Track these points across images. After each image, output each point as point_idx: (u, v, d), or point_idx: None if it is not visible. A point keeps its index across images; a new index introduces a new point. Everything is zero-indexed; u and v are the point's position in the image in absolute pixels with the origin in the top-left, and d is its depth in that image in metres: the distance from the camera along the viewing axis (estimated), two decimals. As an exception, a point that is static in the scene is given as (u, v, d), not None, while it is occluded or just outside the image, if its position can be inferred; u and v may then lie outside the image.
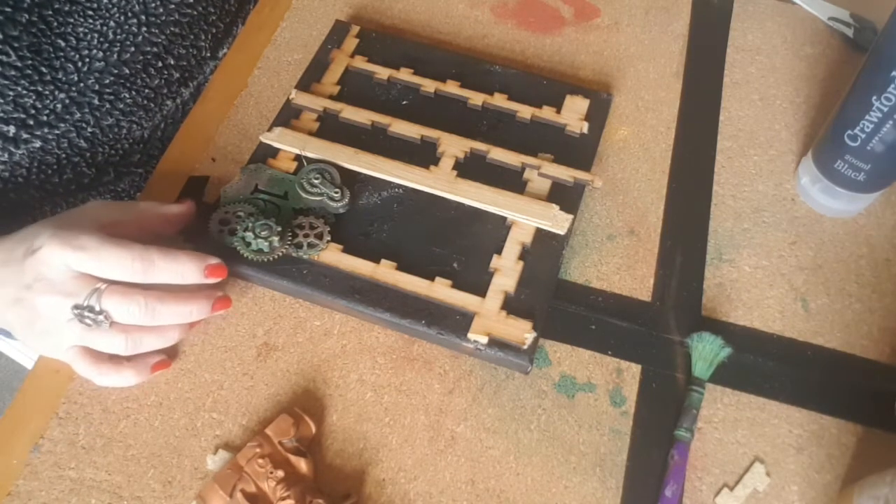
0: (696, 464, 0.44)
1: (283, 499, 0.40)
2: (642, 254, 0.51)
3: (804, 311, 0.49)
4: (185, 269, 0.43)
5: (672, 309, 0.49)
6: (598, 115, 0.55)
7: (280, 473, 0.40)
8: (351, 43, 0.58)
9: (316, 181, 0.50)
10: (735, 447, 0.45)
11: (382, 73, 0.56)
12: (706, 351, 0.46)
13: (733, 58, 0.61)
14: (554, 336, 0.48)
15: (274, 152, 0.52)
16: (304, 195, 0.49)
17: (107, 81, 0.54)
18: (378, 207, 0.50)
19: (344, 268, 0.47)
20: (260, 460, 0.41)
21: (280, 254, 0.47)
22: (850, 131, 0.47)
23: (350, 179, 0.51)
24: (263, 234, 0.46)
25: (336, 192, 0.49)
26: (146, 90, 0.58)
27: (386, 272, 0.47)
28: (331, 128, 0.54)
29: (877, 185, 0.50)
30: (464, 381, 0.46)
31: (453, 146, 0.52)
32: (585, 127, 0.54)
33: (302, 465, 0.41)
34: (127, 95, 0.56)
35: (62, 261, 0.41)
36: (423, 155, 0.52)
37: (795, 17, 0.64)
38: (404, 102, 0.56)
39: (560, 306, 0.49)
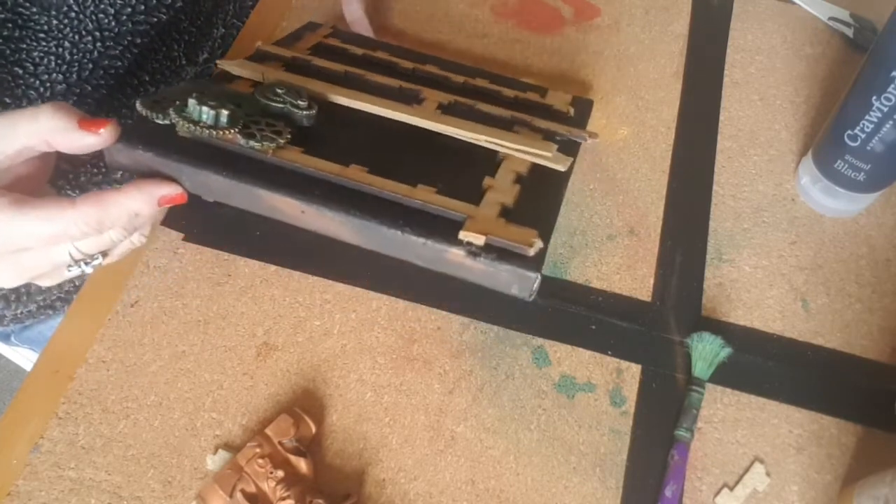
0: (696, 464, 0.44)
1: (283, 499, 0.40)
2: (642, 254, 0.51)
3: (804, 311, 0.49)
4: (138, 208, 0.37)
5: (672, 309, 0.49)
6: (582, 109, 0.53)
7: (280, 473, 0.40)
8: (325, 31, 0.57)
9: (280, 91, 0.41)
10: (735, 447, 0.45)
11: (357, 50, 0.53)
12: (706, 351, 0.46)
13: (733, 58, 0.61)
14: (554, 336, 0.48)
15: (230, 80, 0.45)
16: (263, 102, 0.41)
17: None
18: (349, 140, 0.42)
19: (303, 166, 0.38)
20: (260, 460, 0.41)
21: (224, 136, 0.37)
22: (850, 131, 0.47)
23: (319, 108, 0.42)
24: (211, 103, 0.37)
25: (303, 101, 0.41)
26: (123, 109, 0.57)
27: (357, 174, 0.38)
28: (299, 70, 0.48)
29: (877, 185, 0.50)
30: (464, 381, 0.46)
31: (436, 96, 0.47)
32: (572, 111, 0.52)
33: (302, 465, 0.41)
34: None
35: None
36: (404, 98, 0.47)
37: (795, 17, 0.64)
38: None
39: (560, 306, 0.49)
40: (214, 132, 0.37)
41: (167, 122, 0.38)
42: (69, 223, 0.35)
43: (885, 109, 0.44)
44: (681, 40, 0.62)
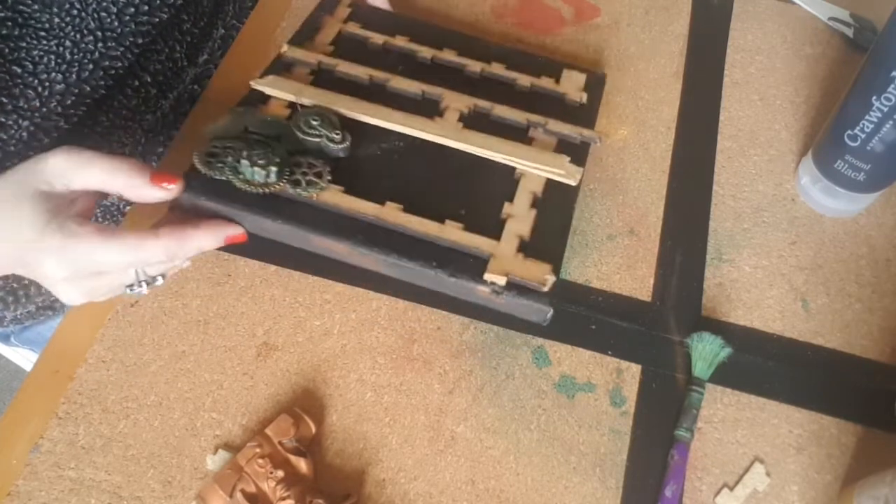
0: (696, 464, 0.44)
1: (283, 499, 0.40)
2: (642, 254, 0.51)
3: (804, 311, 0.49)
4: (208, 244, 0.42)
5: (672, 309, 0.49)
6: (595, 88, 0.55)
7: (280, 473, 0.40)
8: (343, 11, 0.58)
9: (315, 122, 0.46)
10: (735, 447, 0.45)
11: (377, 38, 0.55)
12: (706, 351, 0.46)
13: (733, 58, 0.61)
14: (554, 336, 0.48)
15: (264, 100, 0.49)
16: (300, 136, 0.46)
17: (69, 102, 0.51)
18: (380, 158, 0.48)
19: (346, 209, 0.44)
20: (260, 460, 0.41)
21: (275, 188, 0.43)
22: (850, 131, 0.47)
23: (350, 129, 0.47)
24: (261, 162, 0.43)
25: (337, 134, 0.46)
26: (124, 111, 0.56)
27: (392, 213, 0.44)
28: (326, 82, 0.51)
29: (877, 185, 0.50)
30: (464, 381, 0.46)
31: (456, 101, 0.51)
32: (584, 97, 0.54)
33: (302, 465, 0.41)
34: (105, 118, 0.55)
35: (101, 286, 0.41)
36: (426, 109, 0.51)
37: (795, 17, 0.64)
38: (400, 68, 0.54)
39: (560, 306, 0.49)
40: (267, 189, 0.43)
41: (224, 178, 0.43)
42: (150, 253, 0.39)
43: (885, 109, 0.44)
44: (681, 40, 0.62)
